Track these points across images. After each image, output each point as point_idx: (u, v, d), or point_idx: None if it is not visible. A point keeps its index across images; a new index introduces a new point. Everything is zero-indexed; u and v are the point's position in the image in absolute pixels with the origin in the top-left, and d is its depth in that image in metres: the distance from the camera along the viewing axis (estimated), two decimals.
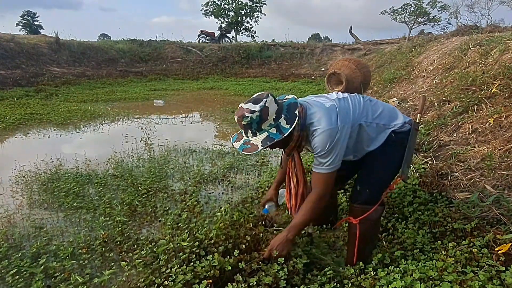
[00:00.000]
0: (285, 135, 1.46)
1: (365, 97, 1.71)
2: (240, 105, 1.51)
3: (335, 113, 1.51)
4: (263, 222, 2.13)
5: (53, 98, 8.34)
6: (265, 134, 1.47)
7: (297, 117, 1.49)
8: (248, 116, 1.45)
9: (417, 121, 1.74)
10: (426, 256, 1.70)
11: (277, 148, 1.75)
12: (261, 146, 1.45)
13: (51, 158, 3.79)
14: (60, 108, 6.83)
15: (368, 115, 1.61)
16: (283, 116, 1.49)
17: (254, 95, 1.52)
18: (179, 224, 2.26)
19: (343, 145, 1.51)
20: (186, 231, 2.02)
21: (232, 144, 1.56)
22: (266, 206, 2.07)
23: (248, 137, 1.50)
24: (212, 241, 1.81)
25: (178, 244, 1.79)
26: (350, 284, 1.54)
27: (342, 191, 2.57)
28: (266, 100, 1.47)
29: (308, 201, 1.60)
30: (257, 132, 1.48)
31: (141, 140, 4.59)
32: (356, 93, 1.75)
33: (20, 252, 2.02)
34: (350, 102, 1.61)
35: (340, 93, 1.72)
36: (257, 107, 1.45)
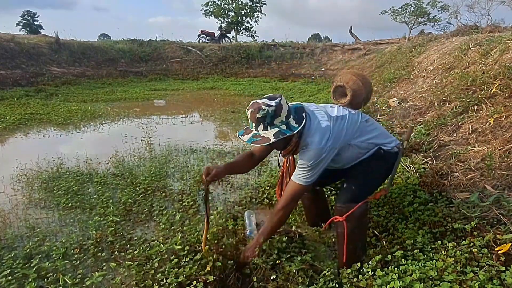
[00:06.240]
0: (294, 132, 1.58)
1: (363, 116, 1.84)
2: (254, 101, 1.61)
3: (328, 134, 1.62)
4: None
5: (53, 98, 8.33)
6: (276, 129, 1.57)
7: (305, 119, 1.62)
8: (264, 109, 1.54)
9: (404, 147, 1.93)
10: (426, 256, 1.68)
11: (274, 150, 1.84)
12: (274, 138, 1.54)
13: (52, 157, 3.76)
14: (60, 108, 6.82)
15: (361, 135, 1.76)
16: (291, 116, 1.61)
17: (267, 95, 1.64)
18: (173, 227, 2.24)
19: (324, 164, 1.65)
20: (180, 234, 2.01)
21: (239, 137, 1.63)
22: (247, 231, 2.16)
23: (258, 131, 1.58)
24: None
25: (171, 246, 1.78)
26: (348, 284, 1.52)
27: (329, 191, 2.59)
28: (281, 99, 1.60)
29: (274, 211, 1.75)
30: (268, 127, 1.57)
31: (141, 140, 4.57)
32: (357, 110, 1.88)
33: (12, 253, 2.00)
34: (346, 122, 1.72)
35: (341, 107, 1.83)
36: (273, 103, 1.56)
